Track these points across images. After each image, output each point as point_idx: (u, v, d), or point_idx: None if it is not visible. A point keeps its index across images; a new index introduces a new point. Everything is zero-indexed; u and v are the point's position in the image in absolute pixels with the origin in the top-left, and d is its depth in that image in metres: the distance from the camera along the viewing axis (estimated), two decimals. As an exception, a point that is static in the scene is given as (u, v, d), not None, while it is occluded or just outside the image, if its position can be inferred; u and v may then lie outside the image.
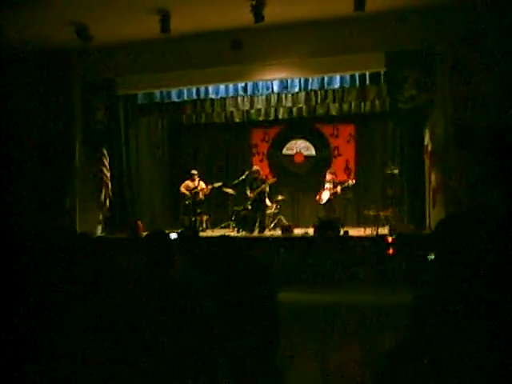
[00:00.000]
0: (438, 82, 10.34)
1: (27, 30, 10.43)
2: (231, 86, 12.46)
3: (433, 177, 10.58)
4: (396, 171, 11.70)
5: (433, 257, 2.31)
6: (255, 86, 12.42)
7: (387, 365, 2.21)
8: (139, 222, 11.71)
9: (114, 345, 2.98)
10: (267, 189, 12.39)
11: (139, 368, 2.96)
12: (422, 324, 2.18)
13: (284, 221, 12.51)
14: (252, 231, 11.87)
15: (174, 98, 12.79)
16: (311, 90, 12.56)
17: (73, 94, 12.34)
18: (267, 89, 12.45)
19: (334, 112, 13.49)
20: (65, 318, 3.01)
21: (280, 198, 12.82)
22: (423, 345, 2.13)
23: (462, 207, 9.52)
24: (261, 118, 14.01)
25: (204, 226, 13.01)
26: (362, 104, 13.22)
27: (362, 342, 6.57)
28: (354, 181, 12.56)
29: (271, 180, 12.76)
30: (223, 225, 13.27)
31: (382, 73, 11.13)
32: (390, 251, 9.88)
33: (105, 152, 12.43)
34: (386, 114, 12.54)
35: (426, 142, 10.94)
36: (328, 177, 12.29)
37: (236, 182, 12.87)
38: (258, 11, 9.55)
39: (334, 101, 13.22)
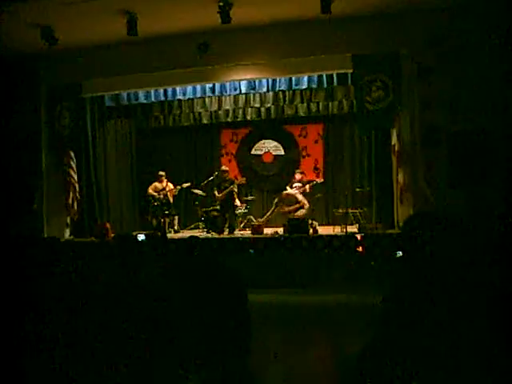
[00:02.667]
0: (404, 84, 10.49)
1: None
2: (199, 87, 12.48)
3: (400, 176, 10.71)
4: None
5: (401, 254, 2.35)
6: (223, 86, 12.46)
7: (356, 364, 2.24)
8: (107, 225, 11.67)
9: (81, 349, 2.96)
10: (236, 189, 12.39)
11: (109, 373, 2.94)
12: (390, 322, 2.21)
13: (254, 221, 12.53)
14: (221, 232, 11.86)
15: (142, 100, 12.75)
16: (279, 90, 12.63)
17: (38, 97, 12.18)
18: (235, 89, 12.50)
19: (301, 112, 13.55)
20: (31, 322, 2.98)
21: (249, 198, 12.86)
22: (392, 343, 2.16)
23: (429, 206, 9.65)
24: (229, 119, 14.01)
25: (175, 227, 12.97)
26: (330, 104, 13.30)
27: (332, 341, 6.61)
28: (322, 179, 12.66)
29: (240, 180, 12.77)
30: (193, 226, 13.24)
31: (350, 74, 11.24)
32: (360, 249, 9.97)
33: (72, 155, 12.31)
34: (353, 114, 12.66)
35: (393, 142, 11.07)
36: (297, 176, 12.35)
37: (205, 182, 12.86)
38: (225, 12, 9.55)
39: (301, 101, 13.30)
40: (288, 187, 12.15)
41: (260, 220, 12.46)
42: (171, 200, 12.80)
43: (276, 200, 11.90)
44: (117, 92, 12.65)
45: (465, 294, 2.11)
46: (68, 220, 12.49)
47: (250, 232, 11.76)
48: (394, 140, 10.99)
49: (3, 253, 3.51)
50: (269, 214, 12.42)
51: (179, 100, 13.22)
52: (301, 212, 11.50)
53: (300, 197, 11.66)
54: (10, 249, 3.51)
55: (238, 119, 13.96)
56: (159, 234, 10.65)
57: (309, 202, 11.83)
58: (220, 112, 13.91)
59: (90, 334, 3.01)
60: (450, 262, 2.21)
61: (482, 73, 9.68)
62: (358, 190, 12.37)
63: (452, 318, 2.08)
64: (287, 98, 13.27)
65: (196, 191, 12.99)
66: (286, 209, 11.44)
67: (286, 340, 6.52)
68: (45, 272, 3.44)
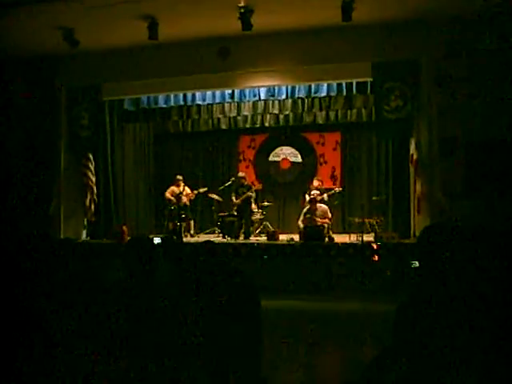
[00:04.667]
0: (423, 93, 10.45)
1: (14, 34, 10.39)
2: (218, 92, 12.50)
3: (417, 185, 10.66)
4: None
5: (417, 264, 2.33)
6: (242, 92, 12.47)
7: (371, 372, 2.22)
8: (124, 227, 11.71)
9: (96, 351, 2.96)
10: (253, 195, 12.40)
11: (121, 375, 2.95)
12: (405, 331, 2.19)
13: (270, 227, 12.52)
14: (237, 237, 11.87)
15: (161, 104, 12.80)
16: (298, 97, 12.61)
17: (59, 99, 12.28)
18: (254, 96, 12.51)
19: (320, 120, 13.55)
20: (48, 324, 2.99)
21: (266, 204, 12.84)
22: (407, 351, 2.14)
23: (446, 216, 9.58)
24: (247, 125, 14.04)
25: (191, 231, 13.00)
26: (349, 112, 13.29)
27: (347, 349, 6.57)
28: (340, 188, 12.63)
29: (257, 186, 12.77)
30: (208, 230, 13.26)
31: (369, 82, 11.22)
32: (375, 258, 9.91)
33: (90, 157, 12.41)
34: (371, 123, 12.63)
35: (411, 151, 11.03)
36: (315, 183, 12.31)
37: (222, 187, 12.89)
38: (246, 19, 9.58)
39: (320, 109, 13.28)
40: (306, 195, 12.09)
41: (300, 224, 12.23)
42: (188, 204, 12.83)
43: (305, 210, 11.73)
44: (136, 96, 12.71)
45: (481, 305, 2.09)
46: (85, 222, 12.58)
47: (265, 238, 11.76)
48: (412, 149, 10.94)
49: (18, 253, 3.53)
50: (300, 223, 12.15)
51: (198, 105, 13.26)
52: (326, 224, 11.39)
53: (329, 213, 11.54)
54: (24, 249, 3.53)
55: (257, 125, 13.98)
56: (175, 237, 10.67)
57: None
58: (239, 118, 13.95)
59: (102, 336, 3.02)
60: (467, 273, 2.19)
61: (502, 82, 9.60)
62: (374, 198, 12.32)
63: (467, 331, 2.06)
64: (306, 106, 13.26)
65: (213, 196, 13.03)
66: (319, 220, 11.31)
67: (298, 346, 6.50)
68: (58, 273, 3.46)
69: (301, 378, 5.34)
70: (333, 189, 12.45)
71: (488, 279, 2.21)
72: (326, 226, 11.25)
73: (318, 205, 11.53)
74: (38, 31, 10.27)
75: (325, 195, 11.99)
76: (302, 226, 11.28)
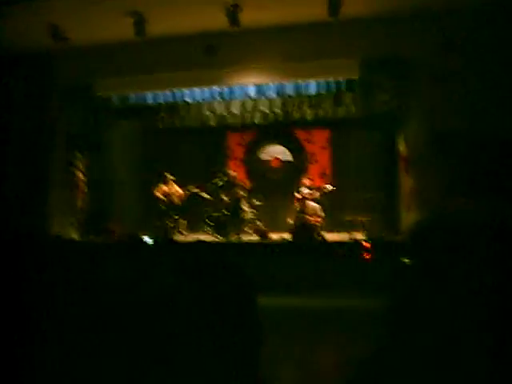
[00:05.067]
0: (413, 88, 10.44)
1: (3, 32, 10.31)
2: (207, 90, 12.45)
3: (407, 182, 10.66)
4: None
5: (407, 261, 2.31)
6: (231, 90, 12.41)
7: (362, 372, 2.20)
8: (115, 226, 11.65)
9: (89, 354, 2.92)
10: (244, 193, 12.38)
11: (116, 376, 2.91)
12: (396, 330, 2.17)
13: (260, 226, 12.50)
14: (228, 236, 11.84)
15: (150, 102, 12.74)
16: (287, 95, 12.58)
17: (49, 97, 12.21)
18: (243, 93, 12.46)
19: (309, 117, 13.51)
20: (36, 324, 2.95)
21: (257, 202, 12.81)
22: (398, 351, 2.12)
23: (436, 212, 9.58)
24: (237, 123, 13.99)
25: (183, 230, 12.95)
26: (338, 110, 13.26)
27: (339, 348, 6.56)
28: (331, 187, 12.63)
29: (247, 185, 12.74)
30: (199, 229, 13.21)
31: (357, 79, 11.21)
32: (367, 256, 9.91)
33: (79, 155, 12.33)
34: (360, 119, 12.64)
35: (400, 147, 11.03)
36: (305, 182, 12.30)
37: (213, 186, 12.84)
38: (233, 16, 9.56)
39: (310, 106, 13.25)
40: (296, 193, 12.06)
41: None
42: (179, 203, 12.78)
43: (298, 208, 11.73)
44: (125, 93, 12.65)
45: (473, 302, 2.07)
46: (74, 220, 12.51)
47: (256, 237, 11.74)
48: (402, 145, 10.94)
49: (6, 250, 3.49)
50: (292, 221, 12.17)
51: (187, 103, 13.22)
52: (317, 222, 11.38)
53: (321, 212, 11.53)
54: (13, 247, 3.49)
55: (246, 123, 13.94)
56: (166, 236, 10.64)
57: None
58: (227, 116, 13.89)
59: (94, 336, 2.98)
60: (460, 268, 2.17)
61: (497, 77, 9.62)
62: (365, 196, 12.31)
63: (459, 329, 2.04)
64: (295, 103, 13.24)
65: (203, 195, 12.98)
66: (310, 219, 11.30)
67: (294, 345, 6.48)
68: (47, 271, 3.41)
69: (296, 377, 5.34)
70: (325, 187, 12.43)
71: (481, 276, 2.19)
72: (317, 224, 11.25)
73: (309, 203, 11.53)
74: (27, 29, 10.22)
75: (317, 194, 11.96)
76: (291, 223, 11.29)
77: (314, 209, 11.48)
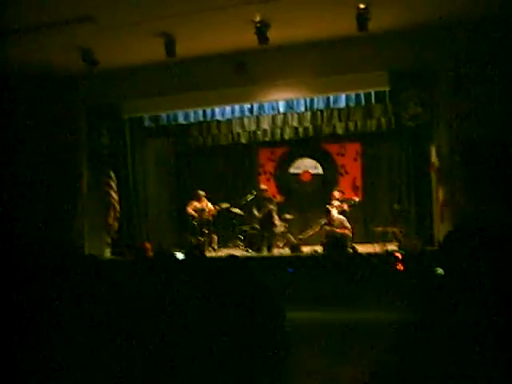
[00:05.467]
0: (442, 99, 10.40)
1: (34, 54, 10.57)
2: (237, 107, 12.55)
3: (440, 192, 10.58)
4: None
5: (441, 271, 2.32)
6: (261, 106, 12.49)
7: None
8: (147, 244, 11.76)
9: (119, 366, 2.98)
10: (275, 208, 12.41)
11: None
12: (430, 341, 2.18)
13: (292, 239, 12.49)
14: (260, 250, 11.86)
15: (181, 121, 12.88)
16: (317, 109, 12.62)
17: (79, 118, 12.47)
18: (273, 109, 12.53)
19: (340, 131, 13.48)
20: (69, 339, 3.01)
21: (288, 216, 12.81)
22: (432, 360, 2.13)
23: (469, 222, 9.48)
24: (267, 138, 14.04)
25: (215, 246, 13.00)
26: (368, 122, 13.24)
27: (372, 361, 6.50)
28: (359, 198, 12.59)
29: (279, 199, 12.78)
30: (231, 244, 13.25)
31: (387, 91, 11.20)
32: (400, 267, 9.83)
33: (112, 175, 12.52)
34: (391, 131, 12.60)
35: (432, 159, 10.96)
36: (336, 195, 12.29)
37: (244, 201, 12.89)
38: (262, 33, 9.64)
39: (339, 120, 13.26)
40: (328, 206, 12.04)
41: (302, 236, 12.41)
42: (210, 219, 12.85)
43: (324, 221, 11.77)
44: (156, 113, 12.83)
45: (506, 312, 2.07)
46: (108, 239, 12.66)
47: (288, 250, 11.74)
48: (434, 156, 10.88)
49: (44, 269, 3.58)
50: (312, 233, 12.31)
51: (218, 120, 13.35)
52: (346, 234, 11.37)
53: (347, 223, 11.52)
54: (51, 266, 3.58)
55: (276, 138, 13.99)
56: (198, 252, 10.69)
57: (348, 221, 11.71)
58: (258, 132, 13.96)
59: (126, 350, 3.04)
60: (492, 277, 2.17)
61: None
62: (396, 207, 12.23)
63: (490, 339, 2.04)
64: (325, 117, 13.26)
65: (235, 210, 13.04)
66: (338, 231, 11.30)
67: (323, 358, 6.45)
68: (83, 289, 3.49)
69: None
70: (351, 199, 12.40)
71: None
72: (347, 235, 11.22)
73: (335, 216, 11.53)
74: (56, 51, 10.44)
75: (345, 205, 11.96)
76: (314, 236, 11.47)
77: (339, 220, 11.45)
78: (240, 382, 3.38)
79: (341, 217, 11.57)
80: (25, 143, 12.23)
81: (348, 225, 11.46)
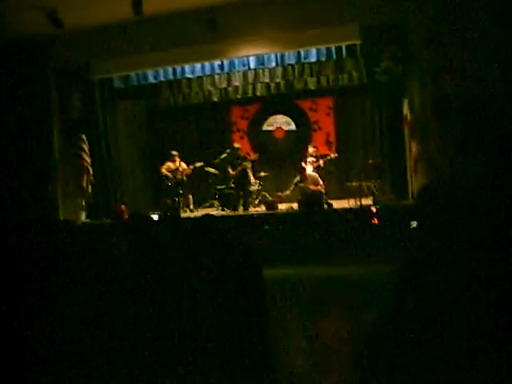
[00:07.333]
0: (414, 53, 10.38)
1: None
2: (207, 64, 12.40)
3: (413, 146, 10.64)
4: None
5: (415, 225, 2.33)
6: (231, 63, 12.36)
7: (371, 339, 2.22)
8: (122, 206, 11.71)
9: (100, 331, 2.99)
10: (249, 166, 12.40)
11: (127, 353, 2.97)
12: (405, 294, 2.19)
13: (268, 197, 12.52)
14: (236, 209, 11.89)
15: (151, 80, 12.72)
16: (288, 64, 12.54)
17: (47, 81, 12.19)
18: (244, 65, 12.41)
19: (311, 86, 13.45)
20: (50, 306, 3.01)
21: (263, 174, 12.81)
22: (408, 315, 2.15)
23: (442, 176, 9.57)
24: (239, 96, 13.96)
25: (190, 206, 12.98)
26: (340, 77, 13.19)
27: (350, 316, 6.61)
28: (335, 154, 12.61)
29: (253, 157, 12.76)
30: (207, 204, 13.25)
31: (358, 45, 11.14)
32: (375, 221, 9.94)
33: (84, 138, 12.36)
34: (363, 86, 12.57)
35: (404, 113, 10.99)
36: (310, 150, 12.30)
37: (218, 160, 12.83)
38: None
39: (311, 75, 13.20)
40: (302, 162, 12.06)
41: (279, 194, 12.48)
42: (185, 179, 12.80)
43: (297, 179, 11.81)
44: (125, 73, 12.63)
45: (482, 261, 2.09)
46: (83, 203, 12.57)
47: (264, 208, 11.78)
48: (406, 110, 10.90)
49: (18, 236, 3.54)
50: (288, 192, 12.35)
51: (188, 78, 13.20)
52: (320, 190, 11.42)
53: (320, 180, 11.55)
54: (25, 232, 3.54)
55: (248, 95, 13.90)
56: (173, 213, 10.68)
57: (321, 177, 11.74)
58: (229, 89, 13.86)
59: (104, 315, 3.04)
60: (463, 230, 2.18)
61: (494, 38, 9.52)
62: (370, 161, 12.28)
63: (465, 293, 2.06)
64: (296, 72, 13.18)
65: (209, 169, 12.99)
66: (312, 188, 11.35)
67: (303, 315, 6.54)
68: (60, 254, 3.47)
69: (304, 347, 5.40)
70: (328, 155, 12.42)
71: (485, 239, 2.20)
72: (321, 192, 11.28)
73: (308, 173, 11.58)
74: (20, 12, 10.13)
75: (321, 161, 11.99)
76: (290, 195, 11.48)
77: (313, 178, 11.50)
78: (223, 340, 3.41)
79: (313, 174, 11.61)
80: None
81: (321, 181, 11.51)
